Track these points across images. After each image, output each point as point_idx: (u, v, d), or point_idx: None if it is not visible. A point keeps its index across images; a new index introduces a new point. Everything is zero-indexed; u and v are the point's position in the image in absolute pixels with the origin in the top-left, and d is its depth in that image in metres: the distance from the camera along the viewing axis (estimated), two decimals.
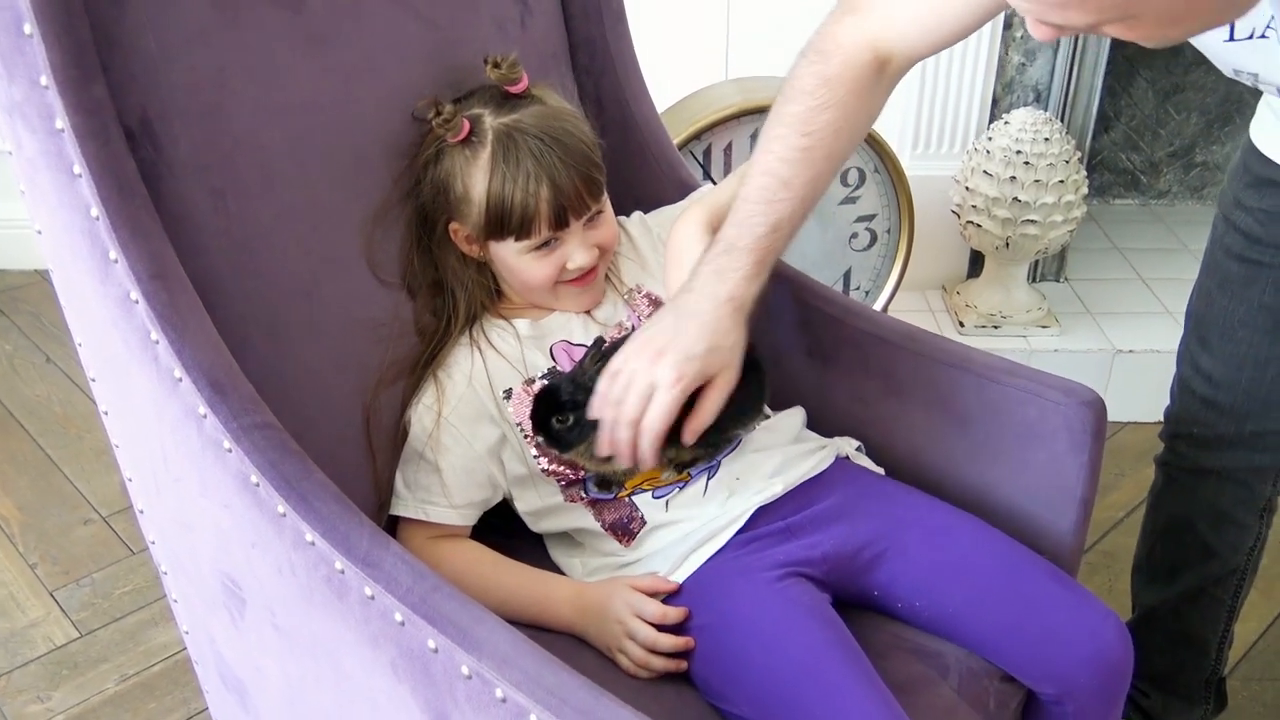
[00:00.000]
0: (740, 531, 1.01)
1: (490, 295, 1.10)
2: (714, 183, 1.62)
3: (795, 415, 1.13)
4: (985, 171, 1.93)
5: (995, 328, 2.05)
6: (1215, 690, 1.35)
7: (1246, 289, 1.12)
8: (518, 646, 0.74)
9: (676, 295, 0.98)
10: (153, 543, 1.05)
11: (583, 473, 1.04)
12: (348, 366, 1.03)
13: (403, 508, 1.05)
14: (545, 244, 1.03)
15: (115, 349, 0.89)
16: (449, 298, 1.07)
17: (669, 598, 0.99)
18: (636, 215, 1.19)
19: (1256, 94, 1.08)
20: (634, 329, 1.08)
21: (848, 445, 1.13)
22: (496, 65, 1.03)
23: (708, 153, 1.72)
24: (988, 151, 1.94)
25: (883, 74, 0.99)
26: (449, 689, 0.75)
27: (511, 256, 1.04)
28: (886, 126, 1.82)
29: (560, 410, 0.98)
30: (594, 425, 0.97)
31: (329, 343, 1.01)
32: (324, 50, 0.99)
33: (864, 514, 1.04)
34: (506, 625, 0.75)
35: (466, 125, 1.01)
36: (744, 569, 0.99)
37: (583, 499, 1.05)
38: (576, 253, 1.04)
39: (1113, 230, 2.44)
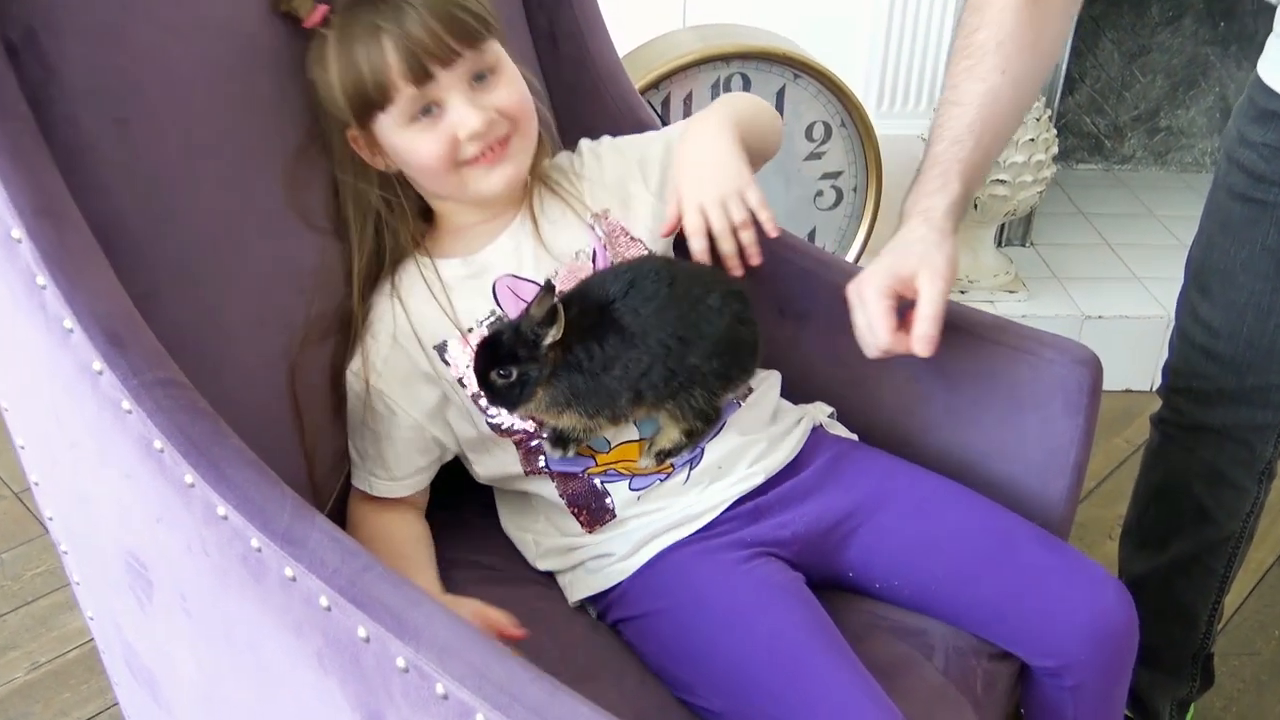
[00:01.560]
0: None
1: (414, 224, 0.97)
2: None
3: (773, 383, 1.04)
4: None
5: (962, 292, 1.98)
6: (1203, 666, 1.29)
7: (1249, 230, 1.06)
8: (461, 635, 0.64)
9: None
10: (50, 519, 0.94)
11: (540, 431, 0.94)
12: (270, 320, 0.92)
13: (354, 477, 0.97)
14: (424, 111, 0.88)
15: None
16: (358, 233, 0.94)
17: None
18: (605, 139, 1.06)
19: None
20: (595, 259, 0.97)
21: (820, 413, 1.05)
22: None
23: (666, 103, 1.62)
24: None
25: None
26: (383, 683, 0.66)
27: (395, 137, 0.90)
28: (851, 82, 1.74)
29: (500, 363, 0.87)
30: (540, 379, 0.87)
31: (249, 293, 0.90)
32: None
33: (838, 488, 0.95)
34: (448, 611, 0.66)
35: (322, 9, 0.88)
36: (709, 551, 0.91)
37: (545, 471, 0.95)
38: (464, 115, 0.88)
39: (1077, 195, 2.38)
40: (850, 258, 1.82)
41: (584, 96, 1.15)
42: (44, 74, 0.78)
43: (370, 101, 0.88)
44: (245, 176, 0.89)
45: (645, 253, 0.99)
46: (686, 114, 1.64)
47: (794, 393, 1.07)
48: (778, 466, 0.96)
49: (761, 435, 0.97)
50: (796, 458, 0.98)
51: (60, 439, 0.84)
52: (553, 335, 0.85)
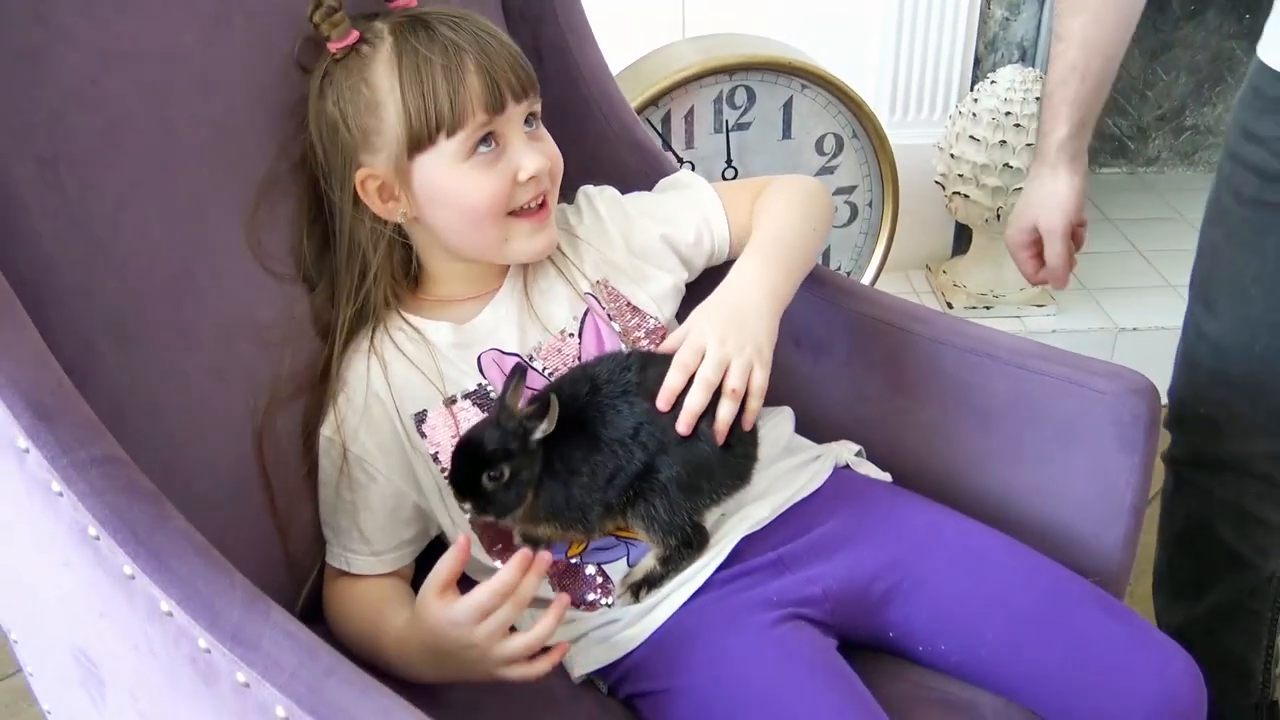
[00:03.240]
0: (723, 566, 0.83)
1: (403, 280, 0.89)
2: (675, 155, 1.43)
3: (783, 419, 0.95)
4: (972, 136, 1.76)
5: (987, 308, 1.88)
6: (1269, 716, 1.18)
7: (1260, 238, 0.96)
8: None
9: None
10: None
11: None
12: (231, 380, 0.83)
13: (329, 555, 0.88)
14: (486, 143, 0.82)
15: None
16: (348, 285, 0.86)
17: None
18: (608, 191, 0.97)
19: (1249, 51, 1.07)
20: (582, 333, 0.88)
21: (846, 451, 0.95)
22: None
23: (666, 119, 1.53)
24: (974, 115, 1.76)
25: None
26: None
27: (447, 175, 0.82)
28: (861, 91, 1.65)
29: (490, 464, 0.76)
30: (533, 478, 0.77)
31: (204, 350, 0.81)
32: None
33: (872, 538, 0.85)
34: (418, 715, 0.56)
35: (355, 31, 0.82)
36: (731, 613, 0.81)
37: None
38: (526, 156, 0.83)
39: (1102, 200, 2.28)
40: (868, 277, 1.72)
41: (575, 118, 1.05)
42: None
43: (437, 127, 0.80)
44: (196, 217, 0.81)
45: (649, 325, 0.91)
46: (688, 132, 1.55)
47: (814, 431, 0.97)
48: (787, 503, 0.87)
49: (770, 469, 0.88)
50: (823, 503, 0.88)
51: None
52: (544, 429, 0.76)
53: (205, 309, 0.81)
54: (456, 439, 0.83)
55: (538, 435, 0.77)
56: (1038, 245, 1.07)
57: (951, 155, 1.79)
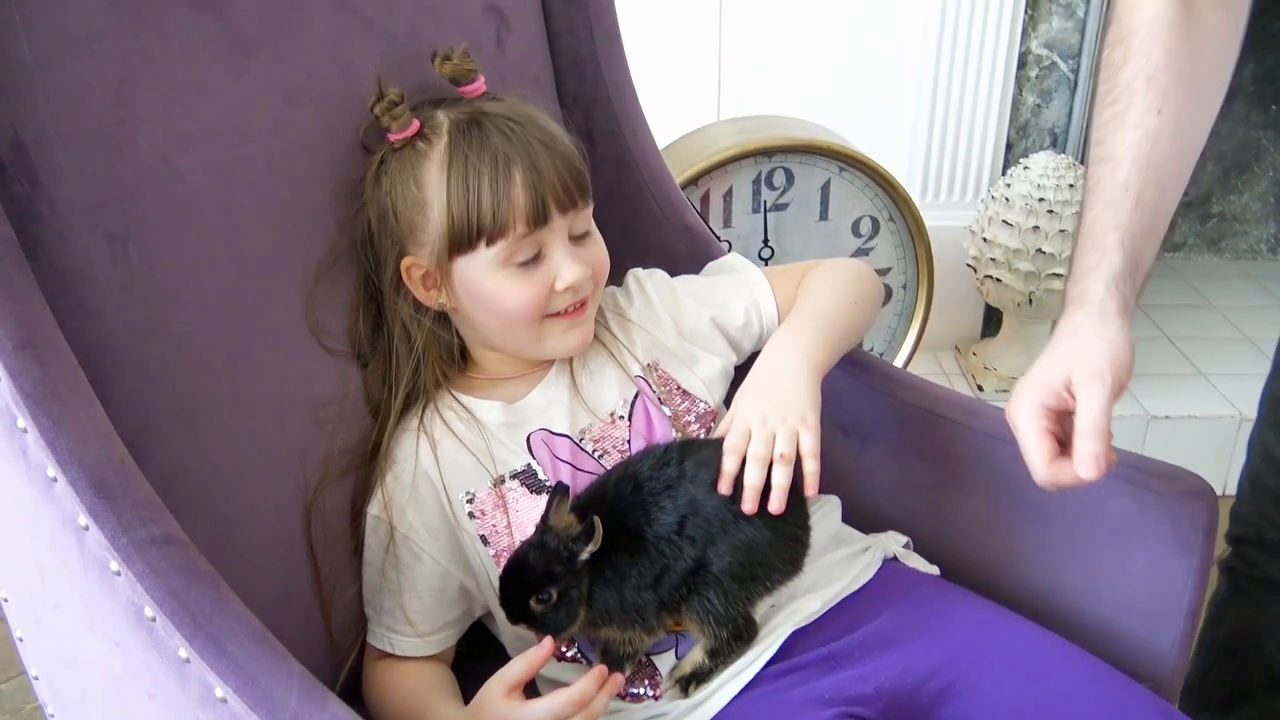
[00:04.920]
0: (773, 660, 0.81)
1: (451, 362, 0.89)
2: (715, 235, 1.44)
3: (831, 508, 0.94)
4: (1005, 221, 1.76)
5: None
6: None
7: None
8: None
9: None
10: (36, 678, 0.84)
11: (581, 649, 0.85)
12: (284, 457, 0.82)
13: (370, 635, 0.87)
14: (526, 248, 0.82)
15: None
16: (395, 366, 0.87)
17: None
18: (659, 275, 0.98)
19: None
20: (632, 416, 0.88)
21: (894, 543, 0.94)
22: (447, 58, 0.85)
23: (705, 199, 1.54)
24: (1006, 199, 1.77)
25: (1191, 9, 0.78)
26: None
27: (485, 278, 0.83)
28: (894, 172, 1.66)
29: (538, 587, 0.77)
30: (581, 597, 0.77)
31: (260, 428, 0.81)
32: (253, 62, 0.80)
33: (925, 635, 0.84)
34: None
35: (415, 122, 0.83)
36: (781, 710, 0.79)
37: (578, 659, 0.86)
38: (566, 266, 0.83)
39: None
40: (900, 359, 1.72)
41: (626, 201, 1.06)
42: (30, 189, 0.70)
43: (478, 235, 0.81)
44: (257, 296, 0.81)
45: (699, 409, 0.91)
46: (726, 211, 1.56)
47: (862, 521, 0.96)
48: (837, 596, 0.86)
49: (819, 561, 0.87)
50: (874, 598, 0.87)
51: (44, 598, 0.74)
52: (590, 549, 0.76)
53: (263, 386, 0.81)
54: (507, 521, 0.83)
55: (584, 557, 0.76)
56: (1056, 421, 0.75)
57: (984, 239, 1.79)
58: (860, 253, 1.63)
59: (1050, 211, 1.73)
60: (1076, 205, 1.72)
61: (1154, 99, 0.78)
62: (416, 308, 0.86)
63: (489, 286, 0.83)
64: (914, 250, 1.64)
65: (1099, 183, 0.79)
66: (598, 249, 0.87)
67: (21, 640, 0.82)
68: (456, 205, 0.80)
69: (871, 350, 1.72)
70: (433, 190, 0.81)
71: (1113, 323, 0.74)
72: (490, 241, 0.81)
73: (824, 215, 1.60)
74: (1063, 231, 1.73)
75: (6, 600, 0.81)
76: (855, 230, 1.62)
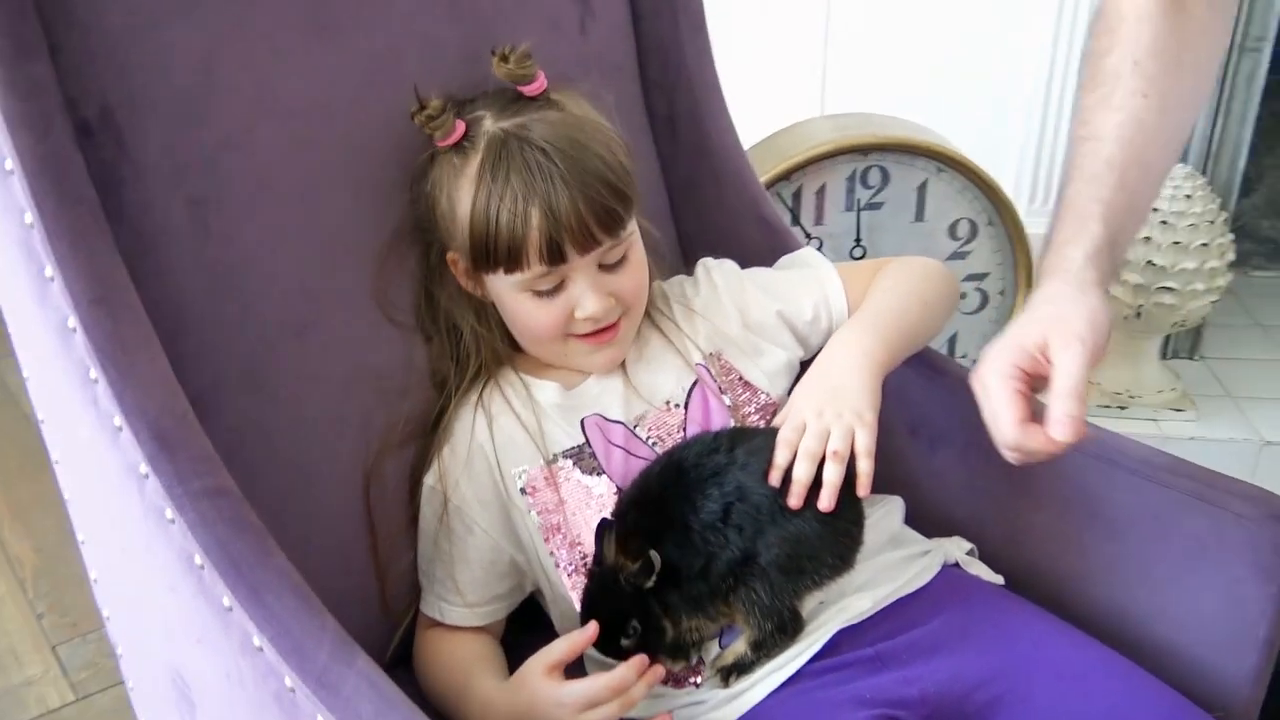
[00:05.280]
0: (816, 657, 0.80)
1: (508, 343, 0.90)
2: (804, 231, 1.42)
3: (893, 509, 0.92)
4: None
5: (1121, 408, 1.80)
6: None
7: None
8: None
9: None
10: (108, 618, 0.88)
11: None
12: (347, 422, 0.85)
13: (423, 604, 0.89)
14: (545, 281, 0.83)
15: (58, 385, 0.73)
16: (455, 344, 0.88)
17: None
18: (729, 265, 0.97)
19: None
20: (689, 404, 0.88)
21: (957, 549, 0.91)
22: (504, 59, 0.84)
23: (798, 195, 1.52)
24: None
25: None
26: None
27: (507, 294, 0.85)
28: (1000, 176, 1.61)
29: (621, 629, 0.77)
30: (660, 621, 0.79)
31: (325, 393, 0.84)
32: (337, 39, 0.83)
33: (978, 644, 0.81)
34: None
35: (461, 127, 0.82)
36: (820, 707, 0.78)
37: None
38: (586, 298, 0.83)
39: (1253, 305, 2.17)
40: None
41: (703, 190, 1.06)
42: (117, 152, 0.73)
43: (493, 258, 0.82)
44: (328, 266, 0.84)
45: (760, 400, 0.90)
46: (819, 209, 1.54)
47: (926, 524, 0.93)
48: (889, 597, 0.84)
49: (874, 560, 0.85)
50: (929, 602, 0.85)
51: (114, 540, 0.79)
52: (651, 582, 0.77)
53: (329, 353, 0.83)
54: (559, 499, 0.84)
55: (648, 586, 0.77)
56: (1028, 383, 0.74)
57: None
58: (956, 256, 1.59)
59: (1164, 222, 1.66)
60: (1193, 218, 1.66)
61: (1139, 83, 0.78)
62: (463, 293, 0.88)
63: (510, 304, 0.85)
64: (1013, 256, 1.59)
65: (1083, 159, 0.79)
66: (629, 276, 0.86)
67: (96, 581, 0.87)
68: (477, 231, 0.81)
69: (964, 357, 1.68)
70: (463, 208, 0.82)
71: (1089, 294, 0.74)
72: (508, 271, 0.82)
73: (920, 216, 1.56)
74: (1176, 244, 1.65)
75: (84, 542, 0.85)
76: (952, 233, 1.58)
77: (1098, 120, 0.79)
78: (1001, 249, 1.60)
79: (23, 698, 1.48)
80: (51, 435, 0.81)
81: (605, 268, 0.84)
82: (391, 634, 0.90)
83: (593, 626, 0.76)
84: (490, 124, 0.83)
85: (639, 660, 0.75)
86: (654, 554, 0.76)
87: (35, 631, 1.59)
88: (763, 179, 1.37)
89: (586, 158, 0.81)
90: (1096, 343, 0.72)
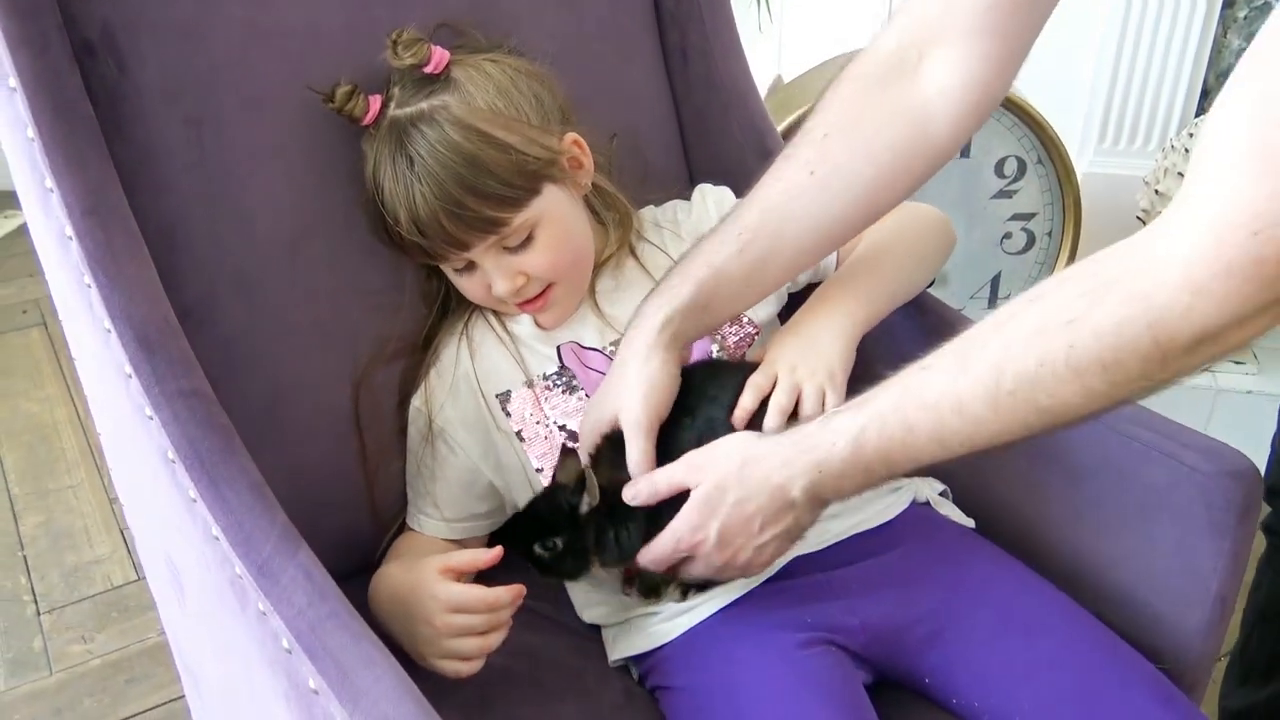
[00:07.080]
0: (770, 580, 0.83)
1: None
2: None
3: None
4: (1181, 174, 1.63)
5: None
6: None
7: None
8: (404, 704, 0.59)
9: None
10: (124, 505, 0.96)
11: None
12: (336, 335, 0.90)
13: (408, 515, 0.95)
14: (451, 265, 0.87)
15: (63, 290, 0.80)
16: (438, 277, 0.92)
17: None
18: (725, 191, 0.98)
19: None
20: None
21: (928, 488, 0.92)
22: (395, 50, 0.83)
23: None
24: (1187, 150, 1.64)
25: (910, 73, 0.75)
26: None
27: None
28: (1065, 115, 1.56)
29: (542, 536, 0.79)
30: (590, 548, 0.79)
31: (315, 306, 0.88)
32: None
33: (927, 579, 0.83)
34: (399, 673, 0.60)
35: (376, 103, 0.84)
36: (760, 626, 0.81)
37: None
38: (494, 279, 0.86)
39: None
40: None
41: (711, 120, 1.07)
42: (118, 72, 0.78)
43: (400, 249, 0.87)
44: (321, 184, 0.88)
45: (746, 329, 0.92)
46: None
47: None
48: (850, 530, 0.86)
49: None
50: (892, 536, 0.86)
51: (115, 433, 0.85)
52: (588, 503, 0.78)
53: (319, 268, 0.88)
54: (541, 417, 0.88)
55: (584, 509, 0.78)
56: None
57: (1157, 191, 1.67)
58: (1002, 194, 1.56)
59: None
60: None
61: (815, 156, 0.77)
62: None
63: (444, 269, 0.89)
64: (1062, 196, 1.55)
65: (731, 214, 0.81)
66: (540, 254, 0.86)
67: (113, 470, 0.95)
68: (373, 218, 0.86)
69: (1007, 297, 1.65)
70: (369, 188, 0.85)
71: (656, 357, 0.78)
72: (409, 256, 0.86)
73: (965, 152, 1.53)
74: None
75: (101, 433, 0.93)
76: (999, 171, 1.55)
77: (764, 183, 0.79)
78: (1050, 189, 1.56)
79: (91, 574, 1.61)
80: (70, 335, 0.89)
81: (511, 249, 0.85)
82: (381, 536, 0.95)
83: (498, 550, 0.77)
84: (393, 107, 0.84)
85: (518, 588, 0.76)
86: (589, 472, 0.78)
87: (108, 515, 1.72)
88: (806, 109, 1.36)
89: (455, 161, 0.81)
90: (651, 415, 0.78)
